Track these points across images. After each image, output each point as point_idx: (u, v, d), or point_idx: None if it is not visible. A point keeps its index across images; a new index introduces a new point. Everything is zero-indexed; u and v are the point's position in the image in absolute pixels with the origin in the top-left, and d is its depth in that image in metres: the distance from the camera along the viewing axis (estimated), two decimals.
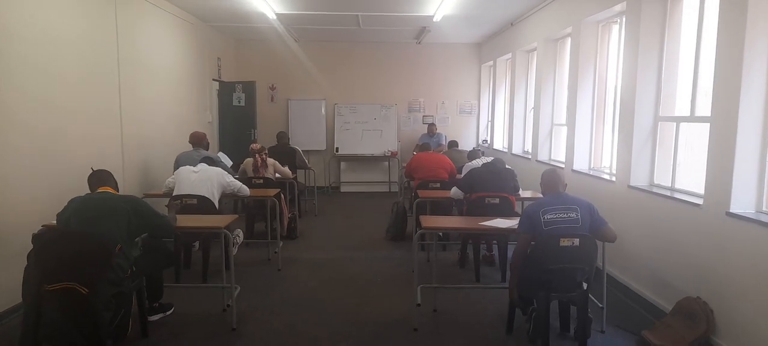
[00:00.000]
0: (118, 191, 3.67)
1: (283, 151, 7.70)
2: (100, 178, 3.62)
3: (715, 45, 3.68)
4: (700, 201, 3.83)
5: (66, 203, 3.52)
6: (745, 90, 3.37)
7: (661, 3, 4.56)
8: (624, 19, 5.04)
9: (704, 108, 4.02)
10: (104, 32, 5.44)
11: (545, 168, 4.50)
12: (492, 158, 5.53)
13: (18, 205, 4.11)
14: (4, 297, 4.00)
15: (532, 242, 3.60)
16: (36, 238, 3.18)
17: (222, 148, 8.90)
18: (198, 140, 6.34)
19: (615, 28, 5.60)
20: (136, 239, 3.61)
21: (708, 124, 3.76)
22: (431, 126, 10.02)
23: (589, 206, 3.60)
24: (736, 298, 3.41)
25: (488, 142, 10.38)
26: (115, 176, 3.72)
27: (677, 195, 4.20)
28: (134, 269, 3.49)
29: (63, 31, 4.72)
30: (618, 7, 5.13)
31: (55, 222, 3.56)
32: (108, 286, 3.16)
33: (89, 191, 3.58)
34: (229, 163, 7.43)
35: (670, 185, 4.48)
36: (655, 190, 4.50)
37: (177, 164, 5.86)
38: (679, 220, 4.02)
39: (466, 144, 10.28)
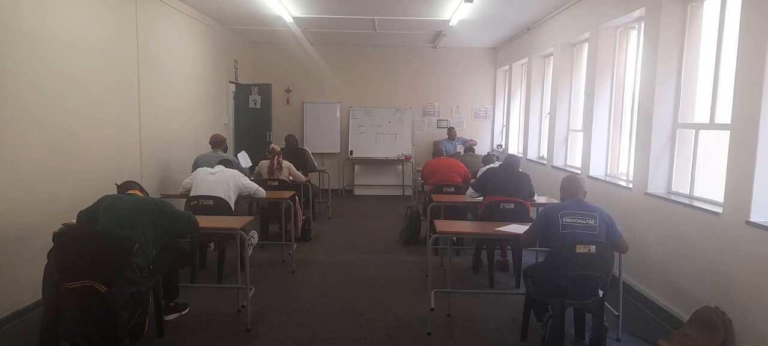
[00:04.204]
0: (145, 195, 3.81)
1: (294, 152, 7.73)
2: (128, 184, 3.81)
3: (737, 51, 3.63)
4: (719, 209, 3.78)
5: (88, 201, 3.59)
6: (766, 97, 3.32)
7: (680, 8, 4.51)
8: (643, 24, 5.00)
9: (724, 115, 3.97)
10: (124, 34, 5.52)
11: (561, 174, 4.48)
12: (506, 157, 5.49)
13: (38, 203, 4.18)
14: (24, 294, 4.07)
15: (546, 233, 3.64)
16: (56, 236, 3.23)
17: (240, 149, 8.94)
18: (217, 142, 6.42)
19: (633, 33, 5.56)
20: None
21: (728, 132, 3.71)
22: (451, 130, 9.99)
23: (608, 216, 3.58)
24: (755, 308, 3.36)
25: (503, 146, 10.34)
26: (133, 176, 3.80)
27: (696, 203, 4.15)
28: (151, 268, 3.53)
29: (84, 33, 4.80)
30: (637, 13, 5.09)
31: (75, 221, 3.62)
32: (126, 285, 3.20)
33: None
34: (248, 163, 7.49)
35: (688, 193, 4.42)
36: (673, 197, 4.44)
37: (196, 165, 5.93)
38: (698, 228, 3.97)
39: (481, 149, 10.24)
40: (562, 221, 3.50)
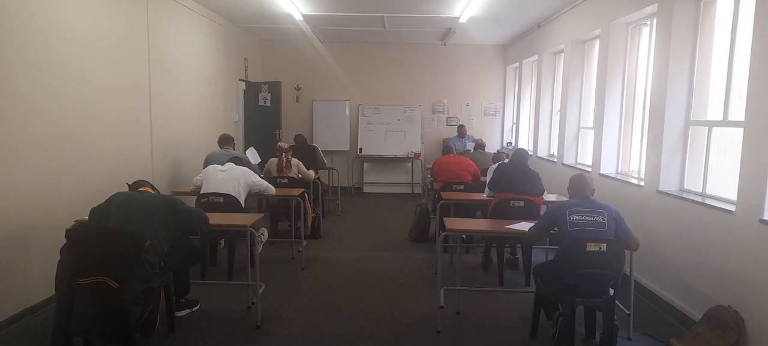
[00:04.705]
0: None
1: (303, 150, 7.75)
2: (140, 183, 3.84)
3: (750, 47, 3.59)
4: (732, 208, 3.74)
5: (99, 198, 3.63)
6: None
7: (693, 4, 4.46)
8: (655, 20, 4.96)
9: (738, 112, 3.93)
10: (135, 32, 5.56)
11: (571, 172, 4.46)
12: (515, 150, 5.47)
13: (50, 201, 4.23)
14: (37, 290, 4.12)
15: (553, 231, 3.65)
16: (69, 233, 3.26)
17: (250, 147, 8.98)
18: (225, 140, 6.46)
19: (645, 30, 5.51)
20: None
21: (742, 129, 3.66)
22: (461, 128, 9.95)
23: (617, 213, 3.56)
24: None
25: (513, 144, 10.30)
26: (144, 173, 3.82)
27: (708, 201, 4.11)
28: (162, 265, 3.56)
29: (95, 31, 4.84)
30: (648, 9, 5.04)
31: (87, 217, 3.66)
32: (137, 281, 3.23)
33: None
34: (257, 160, 7.51)
35: (701, 191, 4.38)
36: (685, 195, 4.40)
37: (207, 163, 5.96)
38: (710, 226, 3.93)
39: (491, 146, 10.20)
40: (570, 219, 3.48)
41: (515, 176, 5.06)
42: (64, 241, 3.27)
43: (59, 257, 3.45)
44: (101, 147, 4.89)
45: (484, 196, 5.46)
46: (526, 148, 5.43)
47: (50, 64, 4.24)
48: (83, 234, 3.30)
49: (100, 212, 3.54)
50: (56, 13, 4.31)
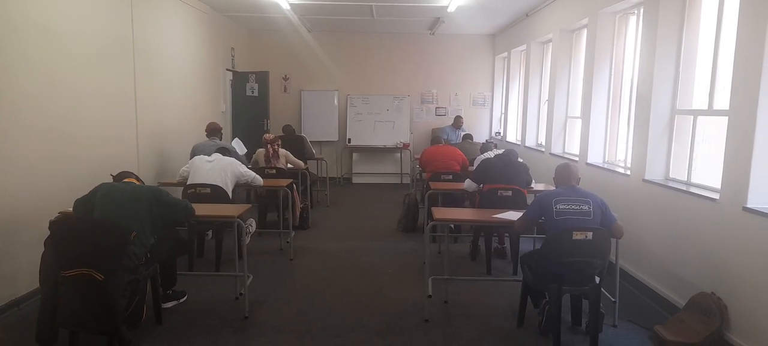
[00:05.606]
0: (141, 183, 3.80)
1: (292, 140, 7.73)
2: (124, 174, 3.79)
3: (735, 37, 3.61)
4: (716, 196, 3.78)
5: (85, 189, 3.59)
6: (765, 84, 3.30)
7: None
8: (642, 10, 4.97)
9: (723, 101, 3.96)
10: (120, 22, 5.48)
11: (559, 161, 4.48)
12: (505, 150, 5.49)
13: (36, 192, 4.17)
14: (22, 282, 4.07)
15: (540, 221, 3.66)
16: (53, 224, 3.23)
17: (235, 137, 8.92)
18: (213, 130, 6.41)
19: (632, 19, 5.53)
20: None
21: (726, 118, 3.70)
22: (458, 119, 9.92)
23: (602, 202, 3.59)
24: (751, 294, 3.37)
25: (501, 134, 10.33)
26: (130, 164, 3.78)
27: (693, 189, 4.15)
28: (149, 256, 3.53)
29: (79, 20, 4.76)
30: None
31: (71, 209, 3.62)
32: (123, 273, 3.21)
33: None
34: (243, 150, 7.47)
35: (686, 179, 4.42)
36: (670, 184, 4.44)
37: (193, 154, 5.91)
38: (695, 214, 3.98)
39: (480, 136, 10.24)
40: (556, 208, 3.50)
41: (500, 168, 5.07)
42: (49, 233, 3.23)
43: (43, 249, 3.41)
44: (86, 138, 4.82)
45: (465, 187, 5.40)
46: (514, 150, 5.41)
47: (36, 53, 4.17)
48: (68, 226, 3.26)
49: (84, 203, 3.50)
50: (42, 4, 4.23)
